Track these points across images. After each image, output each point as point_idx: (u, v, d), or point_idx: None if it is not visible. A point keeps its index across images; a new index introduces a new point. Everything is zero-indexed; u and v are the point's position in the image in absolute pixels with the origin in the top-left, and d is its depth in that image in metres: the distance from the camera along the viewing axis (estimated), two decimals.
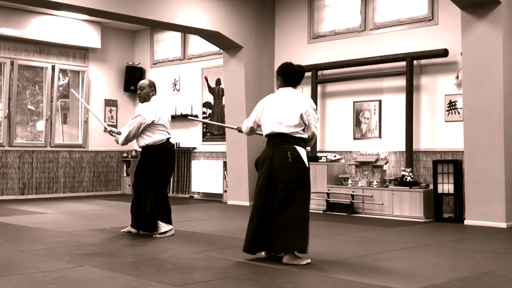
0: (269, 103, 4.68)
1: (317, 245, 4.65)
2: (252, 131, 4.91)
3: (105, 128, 6.40)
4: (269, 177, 4.54)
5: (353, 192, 8.09)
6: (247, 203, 9.29)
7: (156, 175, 5.88)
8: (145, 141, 5.90)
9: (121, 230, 6.16)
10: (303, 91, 9.21)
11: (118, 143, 6.09)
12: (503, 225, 6.82)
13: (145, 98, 6.01)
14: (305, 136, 4.61)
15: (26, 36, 10.43)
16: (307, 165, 4.56)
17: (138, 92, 6.05)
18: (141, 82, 6.11)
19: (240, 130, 5.14)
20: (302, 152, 4.54)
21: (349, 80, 8.79)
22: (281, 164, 4.49)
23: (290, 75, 4.69)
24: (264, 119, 4.68)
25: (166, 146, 5.96)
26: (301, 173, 4.51)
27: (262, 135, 4.83)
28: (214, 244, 5.47)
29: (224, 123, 9.92)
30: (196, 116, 10.85)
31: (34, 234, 6.06)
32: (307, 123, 4.58)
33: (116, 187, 11.94)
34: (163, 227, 5.88)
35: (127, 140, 5.96)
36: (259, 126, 4.81)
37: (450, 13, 7.77)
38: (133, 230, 6.06)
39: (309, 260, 4.48)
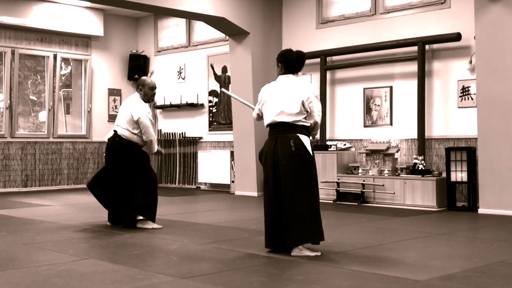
0: (270, 92, 4.57)
1: (327, 236, 4.63)
2: (259, 118, 4.80)
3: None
4: (274, 167, 4.44)
5: (363, 181, 7.96)
6: (255, 194, 9.18)
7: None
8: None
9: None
10: (311, 78, 9.08)
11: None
12: None
13: None
14: (308, 124, 4.50)
15: (27, 24, 10.29)
16: (311, 153, 4.46)
17: (154, 92, 5.97)
18: (155, 82, 6.03)
19: None
20: (306, 140, 4.44)
21: (359, 66, 8.63)
22: (284, 154, 4.39)
23: (291, 62, 4.55)
24: (264, 109, 4.58)
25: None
26: (305, 162, 4.41)
27: None
28: (222, 236, 5.42)
29: (231, 111, 9.83)
30: (202, 105, 10.73)
31: (38, 226, 6.02)
32: (309, 110, 4.45)
33: None
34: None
35: None
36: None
37: None
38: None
39: (319, 253, 4.40)
